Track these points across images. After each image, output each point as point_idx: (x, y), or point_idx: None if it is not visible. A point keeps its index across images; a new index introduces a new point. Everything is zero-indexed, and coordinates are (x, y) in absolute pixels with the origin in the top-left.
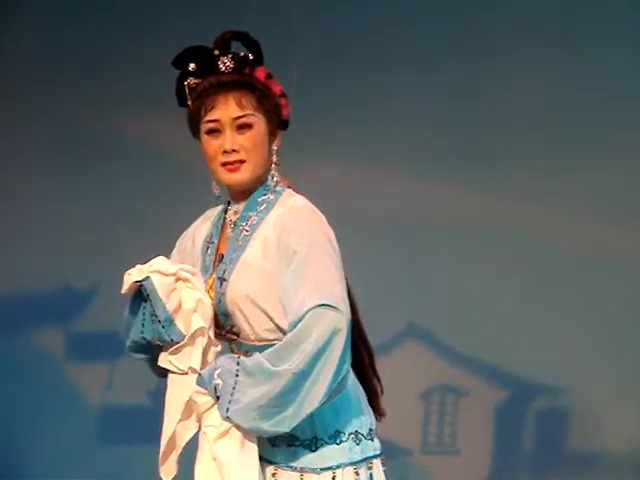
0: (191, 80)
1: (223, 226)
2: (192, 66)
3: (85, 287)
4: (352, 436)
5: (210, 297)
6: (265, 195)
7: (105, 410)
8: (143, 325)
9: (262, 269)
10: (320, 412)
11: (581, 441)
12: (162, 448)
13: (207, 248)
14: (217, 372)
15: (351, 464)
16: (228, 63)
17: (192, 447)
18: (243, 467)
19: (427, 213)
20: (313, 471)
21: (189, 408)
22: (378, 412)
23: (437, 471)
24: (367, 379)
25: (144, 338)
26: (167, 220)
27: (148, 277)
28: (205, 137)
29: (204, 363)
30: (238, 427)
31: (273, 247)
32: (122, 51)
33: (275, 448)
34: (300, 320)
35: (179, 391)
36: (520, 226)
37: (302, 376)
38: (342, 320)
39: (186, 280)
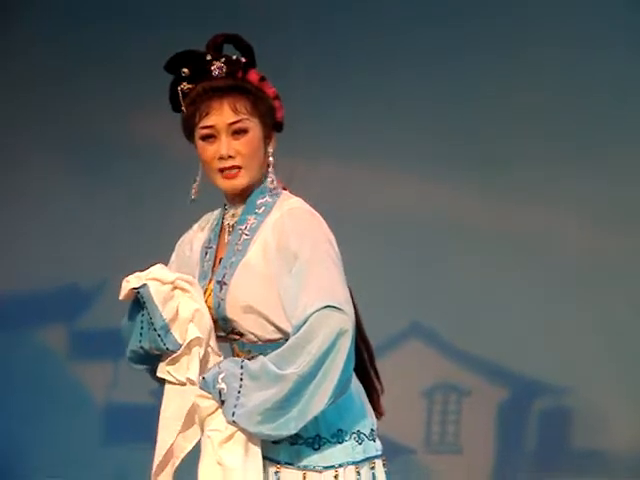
0: (184, 85)
1: (221, 230)
2: (185, 71)
3: (90, 286)
4: (354, 436)
5: (209, 302)
6: (263, 198)
7: (109, 409)
8: (141, 334)
9: (262, 273)
10: (323, 411)
11: (584, 440)
12: (157, 460)
13: (205, 253)
14: (221, 376)
15: (353, 463)
16: (221, 67)
17: (194, 451)
18: (247, 472)
19: (431, 212)
20: (316, 470)
21: (190, 419)
22: (378, 411)
23: (440, 470)
24: (368, 378)
25: (142, 347)
26: (173, 220)
27: (145, 284)
28: (200, 143)
29: (204, 373)
30: (243, 431)
31: (273, 250)
32: (130, 52)
33: (278, 446)
34: (305, 322)
35: (178, 402)
36: (524, 226)
37: (308, 378)
38: (347, 321)
39: (184, 290)
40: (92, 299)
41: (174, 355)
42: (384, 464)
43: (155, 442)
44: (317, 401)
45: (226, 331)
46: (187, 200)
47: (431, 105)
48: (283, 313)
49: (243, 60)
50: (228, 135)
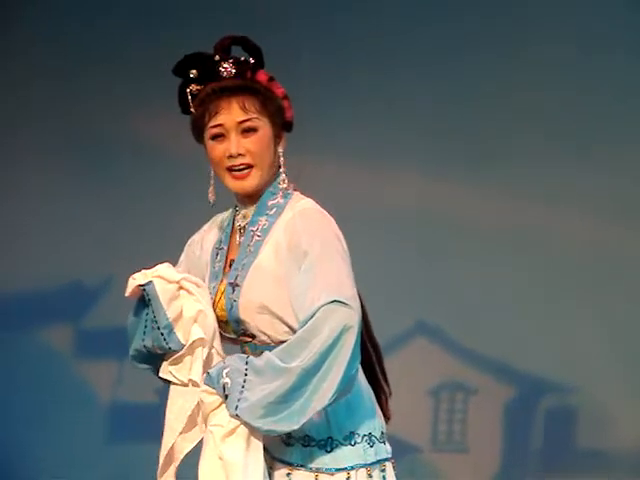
0: (193, 87)
1: (232, 231)
2: (193, 73)
3: (94, 285)
4: (366, 438)
5: (221, 303)
6: (274, 199)
7: (114, 408)
8: (145, 332)
9: (275, 274)
10: (335, 413)
11: (590, 439)
12: (161, 460)
13: (216, 254)
14: (225, 371)
15: (364, 466)
16: (229, 68)
17: (198, 449)
18: (248, 466)
19: (437, 211)
20: (328, 472)
21: (191, 420)
22: (385, 414)
23: (447, 469)
24: (376, 381)
25: (145, 346)
26: (176, 219)
27: (151, 282)
28: (210, 143)
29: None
30: (245, 425)
31: (284, 250)
32: (130, 51)
33: (290, 448)
34: (311, 317)
35: (180, 403)
36: (531, 224)
37: (312, 372)
38: (353, 316)
39: (189, 292)
40: (96, 298)
41: (177, 355)
42: (394, 467)
43: (160, 442)
44: (320, 396)
45: (237, 333)
46: (208, 204)
47: (431, 104)
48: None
49: (251, 61)
50: (237, 134)
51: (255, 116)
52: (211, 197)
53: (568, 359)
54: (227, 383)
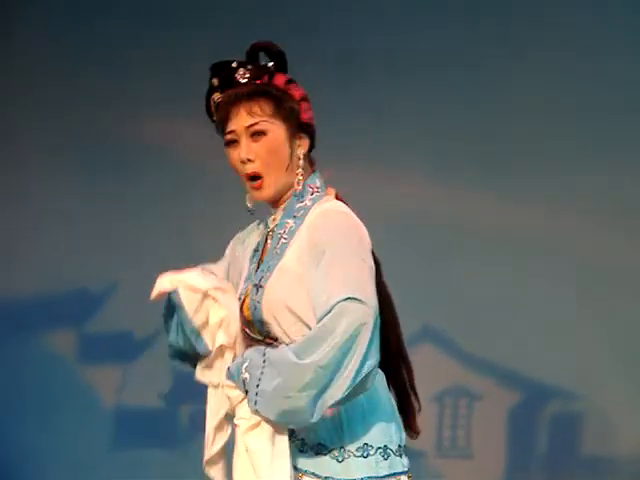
0: (216, 96)
1: (267, 236)
2: (215, 82)
3: (99, 289)
4: (380, 451)
5: (246, 304)
6: (302, 202)
7: (118, 413)
8: (177, 334)
9: (297, 275)
10: (350, 422)
11: (595, 445)
12: (206, 455)
13: (253, 256)
14: (245, 365)
15: (376, 478)
16: (245, 74)
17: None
18: (274, 457)
19: (444, 215)
20: None
21: (222, 424)
22: (413, 430)
23: (451, 474)
24: (405, 395)
25: (179, 346)
26: (182, 223)
27: (176, 290)
28: (226, 149)
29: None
30: (267, 420)
31: (305, 250)
32: (131, 52)
33: (302, 454)
34: (327, 313)
35: (214, 405)
36: (536, 231)
37: (327, 369)
38: (369, 314)
39: (215, 299)
40: (101, 303)
41: (207, 359)
42: None
43: (166, 445)
44: (333, 392)
45: (263, 334)
46: (245, 211)
47: (431, 105)
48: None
49: (270, 65)
50: (247, 138)
51: (264, 119)
52: (248, 203)
53: (573, 365)
54: (246, 378)
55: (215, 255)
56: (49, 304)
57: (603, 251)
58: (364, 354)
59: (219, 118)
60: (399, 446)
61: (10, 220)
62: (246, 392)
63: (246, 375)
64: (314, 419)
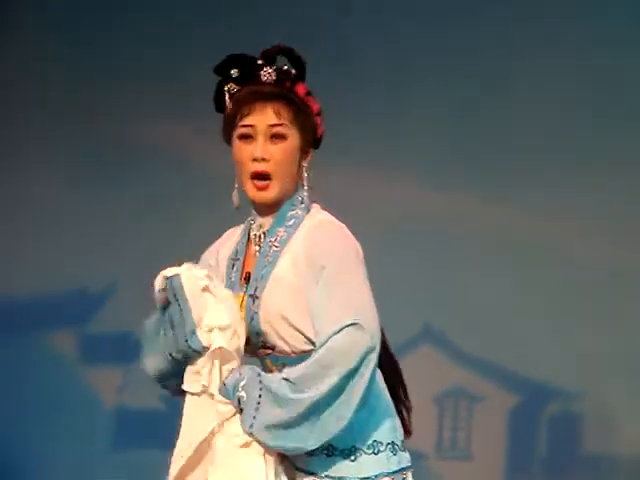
0: (231, 85)
1: (248, 243)
2: (234, 72)
3: (100, 290)
4: (389, 446)
5: (241, 315)
6: (293, 210)
7: (119, 414)
8: (164, 333)
9: (293, 286)
10: (359, 421)
11: (595, 446)
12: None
13: (232, 265)
14: (242, 384)
15: (388, 474)
16: (271, 74)
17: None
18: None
19: (443, 217)
20: None
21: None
22: (406, 430)
23: (451, 476)
24: (396, 395)
25: (170, 354)
26: (182, 225)
27: (178, 274)
28: (237, 142)
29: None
30: (259, 442)
31: (302, 262)
32: (131, 53)
33: (313, 457)
34: (327, 341)
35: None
36: (536, 233)
37: (330, 399)
38: (373, 340)
39: (214, 296)
40: (101, 303)
41: (196, 365)
42: (413, 475)
43: (167, 447)
44: (337, 421)
45: (257, 346)
46: (231, 208)
47: (432, 112)
48: (312, 324)
49: (293, 72)
50: (266, 138)
51: (286, 123)
52: (235, 200)
53: (572, 366)
54: (242, 397)
55: None
56: (49, 304)
57: (603, 252)
58: (368, 381)
59: (236, 109)
60: (402, 441)
61: (10, 220)
62: (241, 410)
63: (243, 394)
64: (313, 447)
